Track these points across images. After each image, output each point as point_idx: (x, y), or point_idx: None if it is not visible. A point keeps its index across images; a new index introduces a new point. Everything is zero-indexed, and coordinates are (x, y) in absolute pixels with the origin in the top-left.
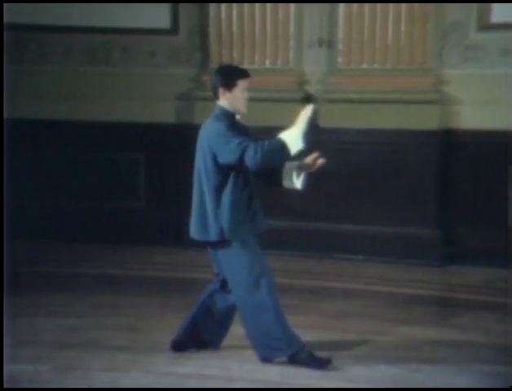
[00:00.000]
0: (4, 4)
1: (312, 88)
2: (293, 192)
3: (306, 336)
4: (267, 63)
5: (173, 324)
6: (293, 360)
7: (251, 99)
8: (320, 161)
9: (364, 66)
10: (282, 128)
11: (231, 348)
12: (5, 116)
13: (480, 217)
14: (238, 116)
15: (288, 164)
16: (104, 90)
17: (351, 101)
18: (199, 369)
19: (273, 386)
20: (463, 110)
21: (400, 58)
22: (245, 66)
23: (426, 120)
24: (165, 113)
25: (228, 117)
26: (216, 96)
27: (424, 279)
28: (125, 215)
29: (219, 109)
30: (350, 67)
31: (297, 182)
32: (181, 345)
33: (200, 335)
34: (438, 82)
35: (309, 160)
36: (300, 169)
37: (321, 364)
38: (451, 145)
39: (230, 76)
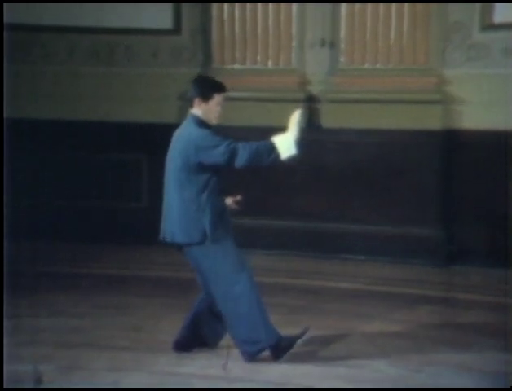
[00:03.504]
0: (5, 4)
1: (314, 88)
2: (294, 193)
3: (307, 335)
4: (270, 63)
5: (175, 324)
6: (277, 351)
7: (253, 99)
8: (237, 207)
9: (367, 66)
10: (283, 128)
11: (232, 348)
12: (5, 116)
13: (481, 217)
14: None
15: None
16: (107, 90)
17: (354, 101)
18: (201, 369)
19: (273, 386)
20: (465, 110)
21: (403, 58)
22: (248, 66)
23: (429, 120)
24: (167, 113)
25: (206, 125)
26: (191, 104)
27: (424, 279)
28: (127, 215)
29: (194, 117)
30: (352, 67)
31: None
32: (183, 345)
33: (202, 332)
34: (440, 82)
35: (231, 201)
36: None
37: (301, 334)
38: (453, 145)
39: (207, 88)
